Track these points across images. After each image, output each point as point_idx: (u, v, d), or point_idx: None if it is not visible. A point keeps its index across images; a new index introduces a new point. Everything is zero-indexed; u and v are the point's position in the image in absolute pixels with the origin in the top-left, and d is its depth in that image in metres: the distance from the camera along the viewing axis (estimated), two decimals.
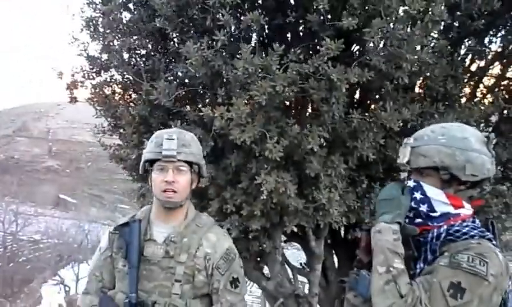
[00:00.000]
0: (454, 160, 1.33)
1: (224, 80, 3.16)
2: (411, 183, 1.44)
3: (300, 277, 4.49)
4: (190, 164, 1.65)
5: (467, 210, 1.39)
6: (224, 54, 3.05)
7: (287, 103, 3.48)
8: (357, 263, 1.54)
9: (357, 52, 3.30)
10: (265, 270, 4.33)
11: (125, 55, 3.73)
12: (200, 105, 3.66)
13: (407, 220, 1.42)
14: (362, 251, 1.51)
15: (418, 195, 1.41)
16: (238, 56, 2.75)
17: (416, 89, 3.59)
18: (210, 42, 2.88)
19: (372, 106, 3.44)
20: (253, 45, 3.05)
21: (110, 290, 1.70)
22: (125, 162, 3.93)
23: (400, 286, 1.26)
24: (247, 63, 2.58)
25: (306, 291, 4.30)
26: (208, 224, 1.73)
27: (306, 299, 4.05)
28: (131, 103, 4.01)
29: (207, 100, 3.59)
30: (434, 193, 1.38)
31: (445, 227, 1.35)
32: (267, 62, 2.58)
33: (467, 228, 1.33)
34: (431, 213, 1.38)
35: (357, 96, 3.68)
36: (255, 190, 3.09)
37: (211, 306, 1.69)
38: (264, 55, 2.72)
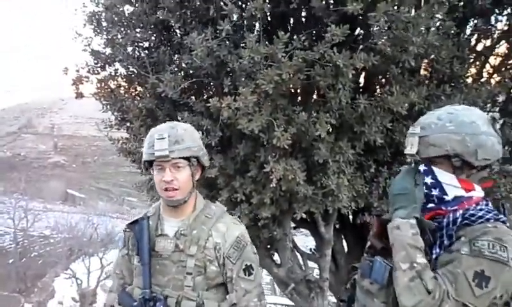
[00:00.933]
0: (465, 146, 1.31)
1: (229, 70, 3.16)
2: (421, 168, 1.42)
3: (310, 263, 4.54)
4: (187, 158, 1.60)
5: (478, 192, 1.39)
6: (228, 43, 3.05)
7: (293, 90, 3.48)
8: (369, 249, 1.52)
9: (361, 37, 3.28)
10: (276, 257, 4.38)
11: (129, 49, 3.73)
12: (205, 96, 3.67)
13: None
14: (375, 237, 1.49)
15: (428, 180, 1.39)
16: (242, 45, 2.75)
17: (422, 72, 3.57)
18: (213, 32, 2.88)
19: (379, 90, 3.43)
20: (256, 34, 3.05)
21: (131, 285, 1.74)
22: (133, 155, 3.96)
23: (427, 282, 1.24)
24: (252, 52, 2.58)
25: (316, 276, 4.35)
26: (217, 213, 1.71)
27: (317, 284, 4.10)
28: (137, 97, 4.03)
29: (213, 90, 3.59)
30: (446, 178, 1.37)
31: (461, 211, 1.35)
32: (273, 51, 2.58)
33: (482, 212, 1.33)
34: (444, 197, 1.38)
35: (362, 81, 3.67)
36: (263, 178, 3.11)
37: (227, 295, 1.69)
38: (268, 43, 2.72)
